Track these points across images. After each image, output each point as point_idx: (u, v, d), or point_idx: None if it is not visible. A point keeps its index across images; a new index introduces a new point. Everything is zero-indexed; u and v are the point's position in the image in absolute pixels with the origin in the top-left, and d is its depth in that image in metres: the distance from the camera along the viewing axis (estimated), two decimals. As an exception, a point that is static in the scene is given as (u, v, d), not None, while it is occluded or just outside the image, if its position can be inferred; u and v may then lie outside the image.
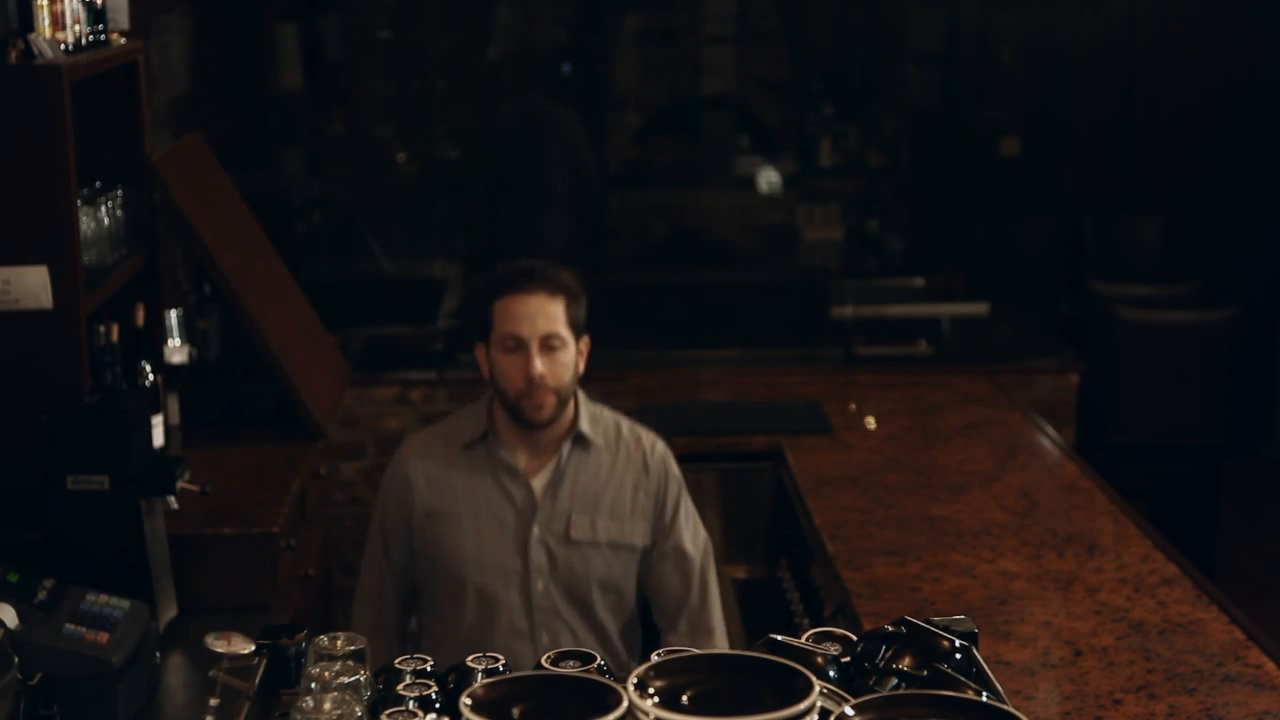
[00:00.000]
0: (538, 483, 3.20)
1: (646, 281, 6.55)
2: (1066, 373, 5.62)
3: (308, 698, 1.74)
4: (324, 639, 1.83)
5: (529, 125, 6.77)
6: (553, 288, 3.11)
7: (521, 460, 3.20)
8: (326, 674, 1.76)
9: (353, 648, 1.79)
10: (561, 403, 3.15)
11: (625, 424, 3.30)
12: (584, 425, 3.21)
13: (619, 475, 3.24)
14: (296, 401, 3.79)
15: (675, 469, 3.32)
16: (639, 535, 3.23)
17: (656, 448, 3.30)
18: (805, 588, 3.68)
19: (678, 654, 1.63)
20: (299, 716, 1.72)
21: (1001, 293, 6.46)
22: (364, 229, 6.55)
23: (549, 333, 3.09)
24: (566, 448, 3.20)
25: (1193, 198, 6.85)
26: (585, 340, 3.19)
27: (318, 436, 3.81)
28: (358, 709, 1.72)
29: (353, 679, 1.75)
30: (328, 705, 1.72)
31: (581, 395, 3.24)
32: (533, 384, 3.08)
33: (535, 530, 3.18)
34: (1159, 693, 2.69)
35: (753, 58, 7.07)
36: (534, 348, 3.08)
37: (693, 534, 3.29)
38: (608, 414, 3.30)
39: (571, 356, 3.14)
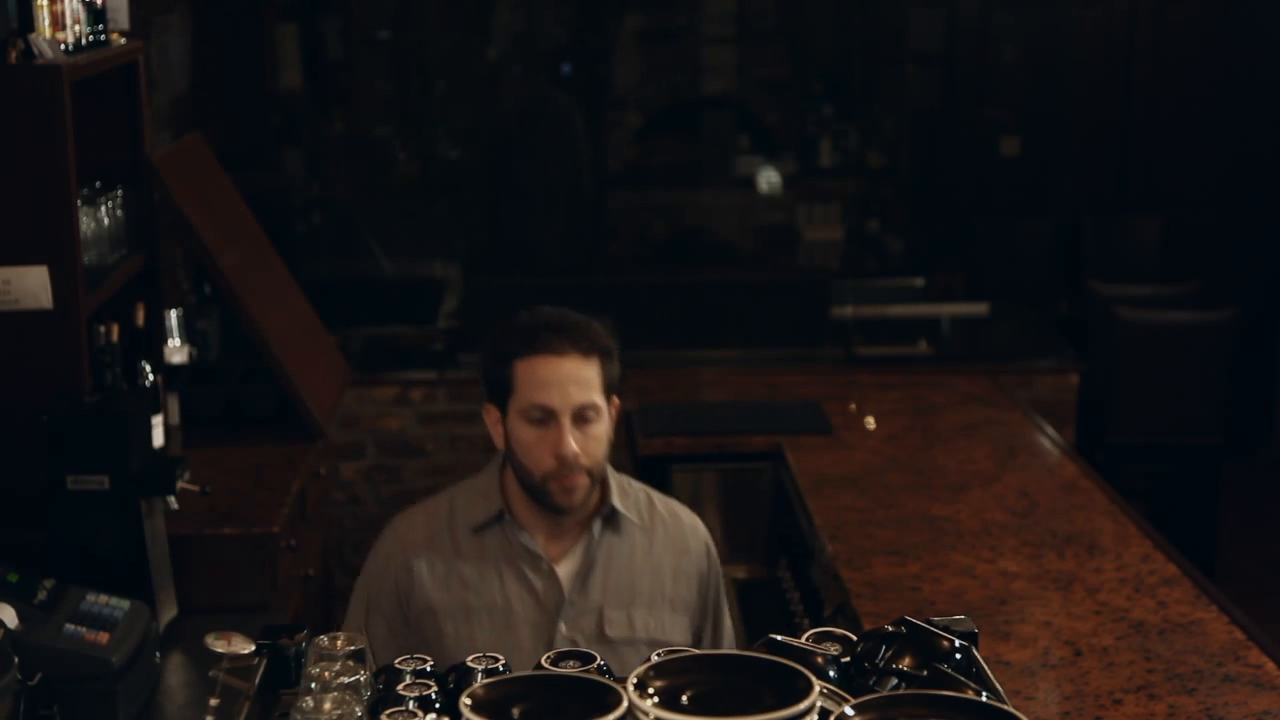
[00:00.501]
0: (564, 570, 2.65)
1: (646, 281, 6.56)
2: (1066, 373, 5.62)
3: (308, 698, 1.74)
4: (324, 639, 1.83)
5: (530, 111, 6.80)
6: (587, 347, 2.57)
7: (542, 543, 2.65)
8: (326, 674, 1.76)
9: (352, 648, 1.79)
10: (594, 483, 2.62)
11: (657, 498, 2.80)
12: (616, 500, 2.68)
13: (656, 558, 2.71)
14: (296, 401, 3.79)
15: (717, 556, 2.81)
16: (679, 632, 2.71)
17: (698, 530, 2.78)
18: (805, 588, 3.67)
19: (678, 654, 1.63)
20: (299, 716, 1.72)
21: (1001, 293, 6.46)
22: (364, 229, 6.56)
23: (584, 403, 2.55)
24: (597, 527, 2.67)
25: (1193, 198, 6.85)
26: (616, 402, 2.65)
27: (318, 436, 3.82)
28: (358, 709, 1.72)
29: (353, 679, 1.75)
30: (328, 705, 1.72)
31: (608, 466, 2.71)
32: (565, 464, 2.55)
33: (562, 627, 2.62)
34: (1159, 693, 2.69)
35: (753, 58, 7.07)
36: (566, 421, 2.54)
37: (728, 634, 2.83)
38: (636, 485, 2.79)
39: (606, 428, 2.60)
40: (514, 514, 2.65)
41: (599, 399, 2.56)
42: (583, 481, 2.57)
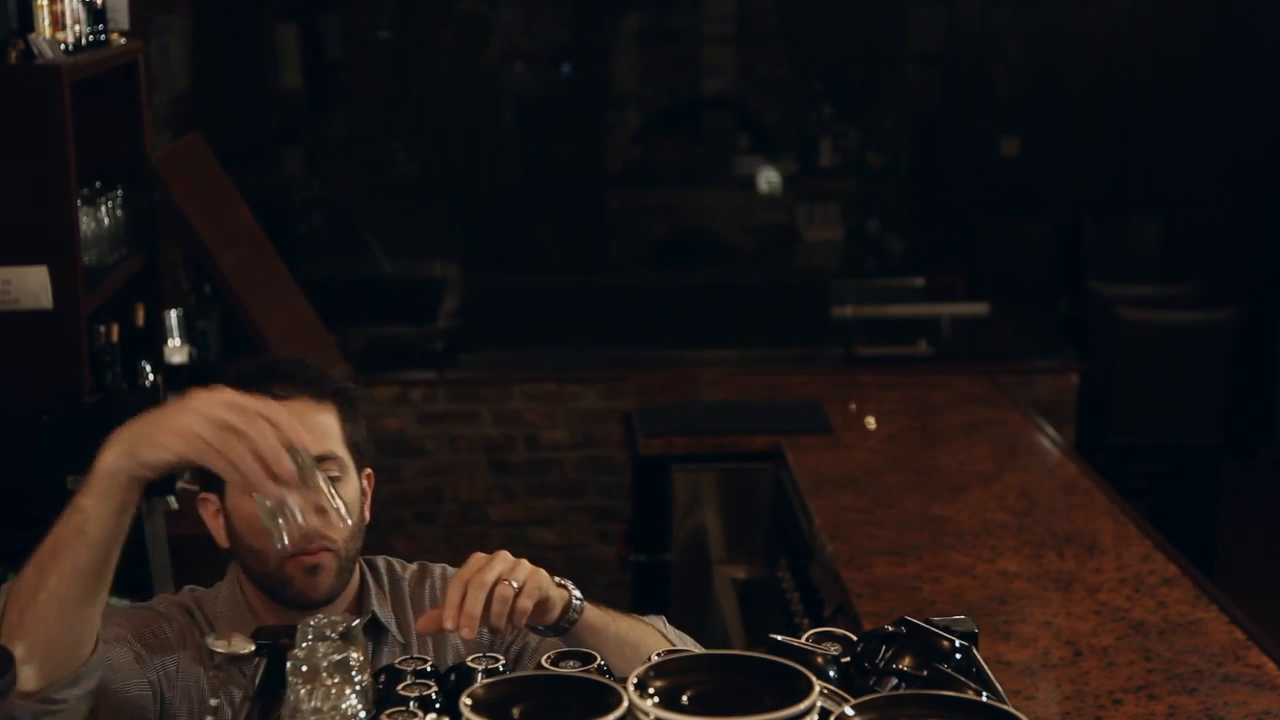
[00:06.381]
0: None
1: (646, 281, 6.56)
2: (1066, 373, 5.62)
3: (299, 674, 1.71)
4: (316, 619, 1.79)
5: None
6: (320, 391, 2.07)
7: None
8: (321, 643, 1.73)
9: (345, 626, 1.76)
10: (343, 569, 2.06)
11: (413, 568, 2.21)
12: (375, 604, 2.11)
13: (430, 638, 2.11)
14: (296, 401, 3.79)
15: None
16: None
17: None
18: (805, 588, 3.68)
19: (677, 654, 1.63)
20: (294, 675, 1.70)
21: (1001, 293, 6.46)
22: (364, 229, 6.56)
23: (321, 454, 1.98)
24: None
25: (1193, 198, 6.85)
26: (370, 475, 2.13)
27: (318, 436, 3.81)
28: (353, 658, 1.69)
29: (342, 656, 1.73)
30: (323, 666, 1.69)
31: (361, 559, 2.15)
32: (303, 534, 1.93)
33: None
34: (1159, 693, 2.69)
35: (753, 58, 7.08)
36: None
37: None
38: (396, 565, 2.20)
39: (354, 493, 2.06)
40: None
41: (341, 452, 2.05)
42: (328, 561, 2.02)
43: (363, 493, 2.11)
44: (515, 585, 1.82)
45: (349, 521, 1.93)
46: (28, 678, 1.77)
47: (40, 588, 1.76)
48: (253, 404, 1.74)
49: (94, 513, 1.76)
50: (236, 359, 2.60)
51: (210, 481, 2.07)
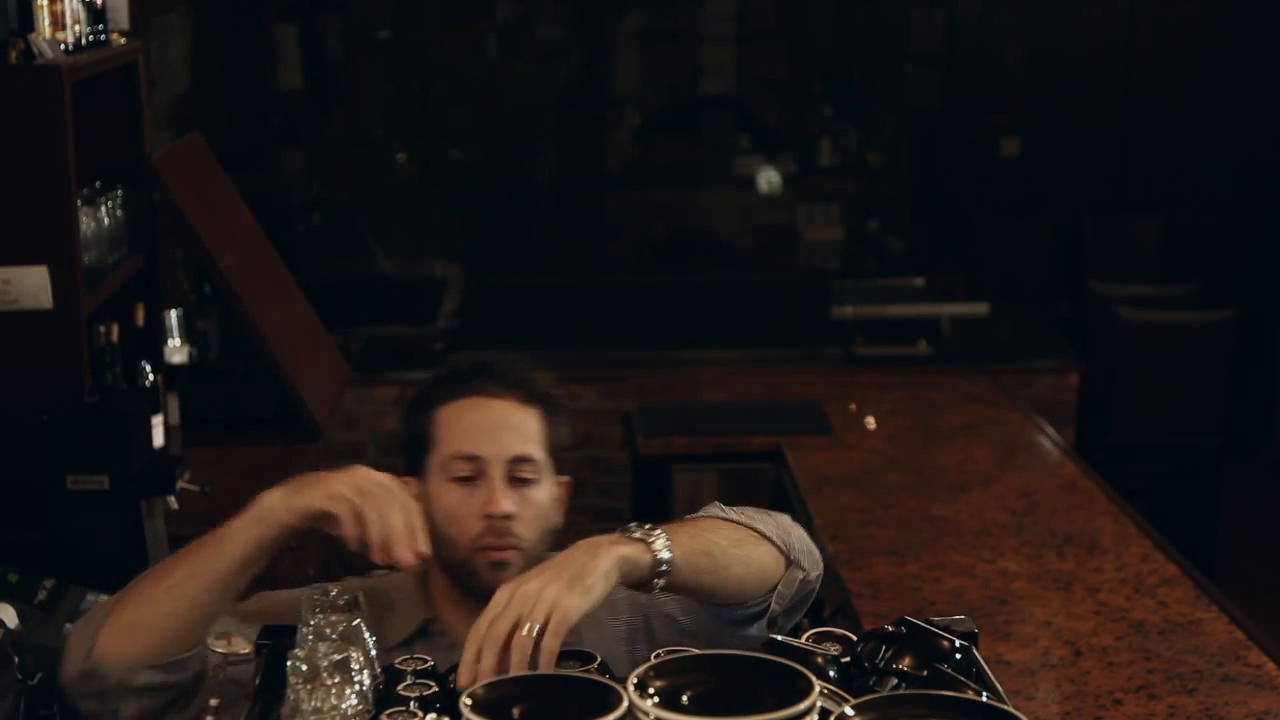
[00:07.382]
0: None
1: (646, 281, 6.56)
2: (1066, 373, 5.61)
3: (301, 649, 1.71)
4: (322, 589, 1.80)
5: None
6: (525, 393, 2.11)
7: None
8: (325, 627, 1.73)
9: (346, 597, 1.76)
10: (528, 567, 1.91)
11: None
12: None
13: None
14: (296, 401, 3.79)
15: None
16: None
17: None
18: (805, 588, 3.67)
19: (678, 654, 1.63)
20: (296, 662, 1.70)
21: (1001, 293, 6.46)
22: (364, 229, 6.56)
23: (520, 455, 2.07)
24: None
25: (1193, 198, 6.85)
26: (567, 483, 2.16)
27: (317, 436, 3.82)
28: (354, 652, 1.69)
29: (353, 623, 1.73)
30: (323, 649, 1.69)
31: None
32: (495, 528, 2.03)
33: None
34: (1159, 693, 2.69)
35: (753, 58, 7.08)
36: (498, 474, 2.05)
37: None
38: None
39: (548, 497, 2.10)
40: (443, 622, 2.11)
41: (539, 455, 2.09)
42: (515, 559, 2.03)
43: (556, 496, 2.12)
44: (535, 628, 1.68)
45: None
46: (121, 648, 1.91)
47: (166, 576, 1.93)
48: (398, 492, 1.89)
49: (239, 533, 1.91)
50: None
51: (412, 465, 2.14)
